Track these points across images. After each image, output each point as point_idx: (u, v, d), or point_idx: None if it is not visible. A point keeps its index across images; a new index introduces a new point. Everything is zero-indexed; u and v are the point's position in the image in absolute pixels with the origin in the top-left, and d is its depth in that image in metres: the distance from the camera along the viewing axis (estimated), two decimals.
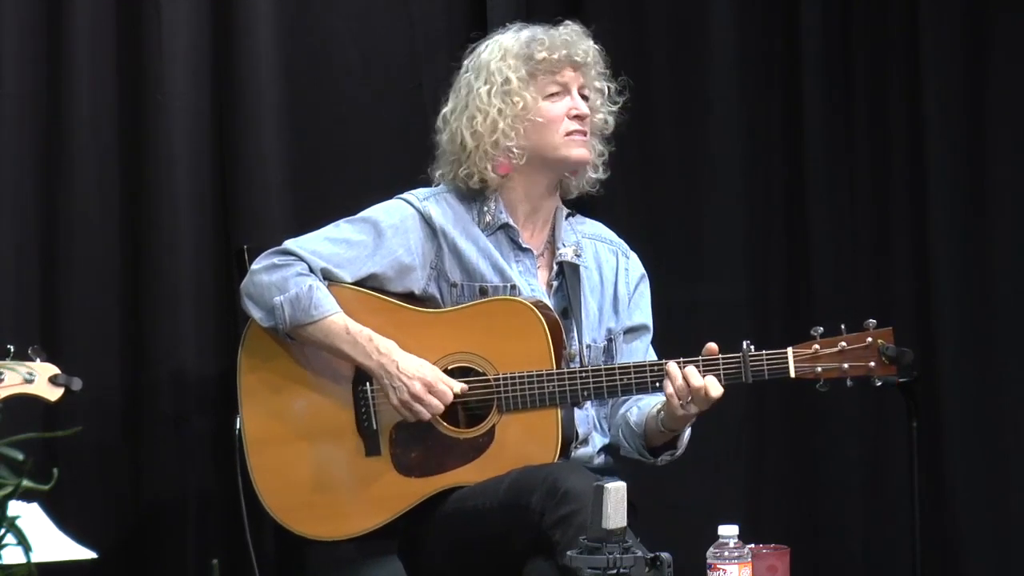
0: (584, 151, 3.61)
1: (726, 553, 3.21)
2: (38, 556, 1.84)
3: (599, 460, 3.62)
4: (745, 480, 4.57)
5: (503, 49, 3.61)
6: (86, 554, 2.77)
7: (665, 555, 2.82)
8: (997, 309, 4.57)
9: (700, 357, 3.46)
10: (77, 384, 3.30)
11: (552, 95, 3.60)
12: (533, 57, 3.59)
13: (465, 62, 3.66)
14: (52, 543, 2.75)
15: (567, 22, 3.66)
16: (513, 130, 3.57)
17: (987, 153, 4.59)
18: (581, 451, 3.57)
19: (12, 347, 3.23)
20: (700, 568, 3.23)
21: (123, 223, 3.95)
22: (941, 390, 4.54)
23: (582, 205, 3.86)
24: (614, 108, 3.68)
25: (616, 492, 2.80)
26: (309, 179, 4.17)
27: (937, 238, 4.58)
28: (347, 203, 3.70)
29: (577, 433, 3.54)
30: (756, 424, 4.57)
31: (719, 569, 3.20)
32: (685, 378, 3.41)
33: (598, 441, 3.62)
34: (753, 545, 3.29)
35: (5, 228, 3.82)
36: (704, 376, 3.42)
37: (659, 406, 3.53)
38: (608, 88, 3.67)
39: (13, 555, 1.86)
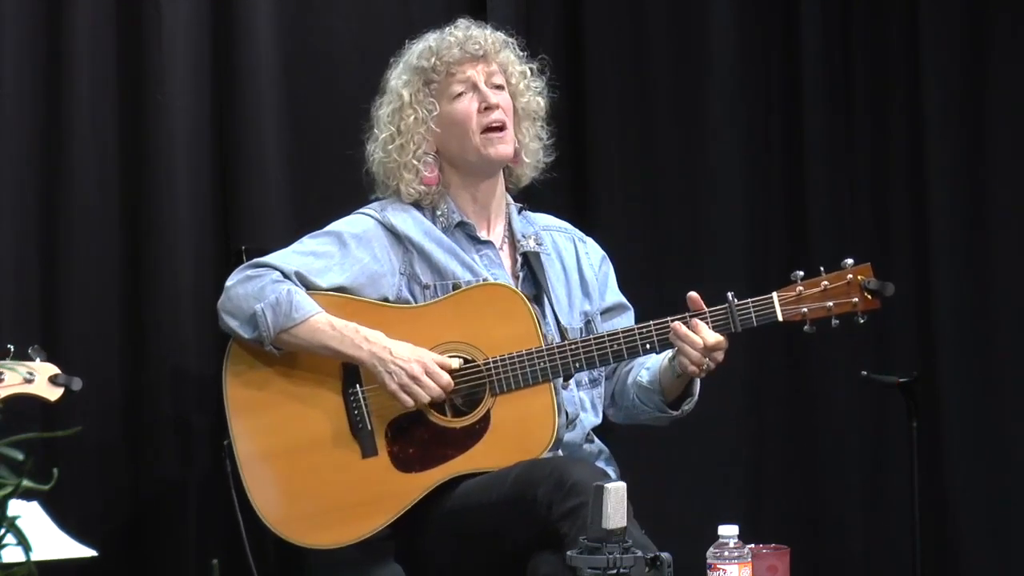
0: (505, 147, 3.61)
1: (726, 553, 3.21)
2: (38, 555, 1.84)
3: (588, 447, 3.61)
4: (745, 480, 4.57)
5: (404, 64, 3.64)
6: (86, 552, 2.77)
7: (665, 555, 2.83)
8: (997, 309, 4.58)
9: (688, 313, 3.48)
10: (77, 384, 3.30)
11: (458, 96, 3.60)
12: (423, 65, 3.60)
13: (381, 84, 3.69)
14: (52, 542, 2.75)
15: (459, 20, 3.66)
16: (425, 141, 3.58)
17: (987, 153, 4.59)
18: (569, 435, 3.56)
19: (12, 347, 3.22)
20: (700, 568, 3.23)
21: (123, 223, 3.95)
22: (941, 390, 4.54)
23: (580, 202, 3.86)
24: (539, 86, 3.67)
25: (616, 492, 2.80)
26: (309, 179, 4.17)
27: (937, 238, 4.58)
28: (347, 203, 3.70)
29: (567, 414, 3.54)
30: (756, 424, 4.57)
31: (719, 569, 3.20)
32: (695, 332, 3.44)
33: (587, 422, 3.62)
34: (753, 545, 3.29)
35: (5, 228, 3.82)
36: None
37: (668, 355, 3.54)
38: (529, 69, 3.66)
39: (13, 555, 1.86)
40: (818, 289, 3.50)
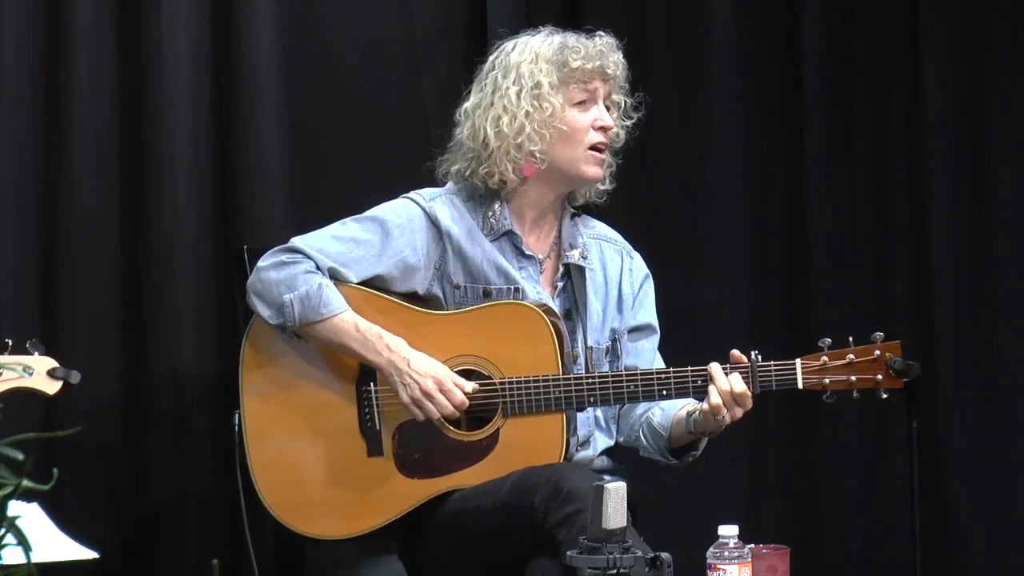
0: (599, 170, 3.60)
1: (726, 553, 3.21)
2: (38, 556, 1.84)
3: (599, 462, 3.61)
4: (745, 480, 4.57)
5: (535, 52, 3.59)
6: (87, 554, 2.77)
7: (665, 555, 2.83)
8: (997, 309, 4.58)
9: (705, 366, 3.46)
10: (76, 377, 3.28)
11: (579, 104, 3.59)
12: (567, 64, 3.57)
13: (491, 58, 3.64)
14: (53, 543, 2.75)
15: (600, 32, 3.64)
16: (538, 135, 3.55)
17: (987, 153, 4.59)
18: (581, 453, 3.57)
19: (10, 341, 3.21)
20: (700, 568, 3.23)
21: (123, 223, 3.95)
22: (941, 390, 4.54)
23: (583, 204, 3.85)
24: (627, 123, 3.67)
25: (616, 492, 2.80)
26: (309, 179, 4.17)
27: (937, 238, 4.58)
28: (347, 203, 3.70)
29: (577, 435, 3.55)
30: (756, 424, 4.56)
31: (719, 569, 3.21)
32: (730, 384, 3.42)
33: (600, 443, 3.62)
34: (753, 545, 3.29)
35: (5, 229, 3.82)
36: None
37: (688, 408, 3.53)
38: (624, 102, 3.66)
39: (13, 555, 1.86)
40: (843, 361, 3.47)
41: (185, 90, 3.99)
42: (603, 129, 3.59)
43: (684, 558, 3.04)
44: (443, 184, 3.65)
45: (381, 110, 4.27)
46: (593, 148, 3.59)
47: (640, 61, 4.53)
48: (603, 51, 3.60)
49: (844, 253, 4.62)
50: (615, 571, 2.75)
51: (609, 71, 3.60)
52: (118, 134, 3.95)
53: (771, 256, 4.63)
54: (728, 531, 3.22)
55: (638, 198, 4.56)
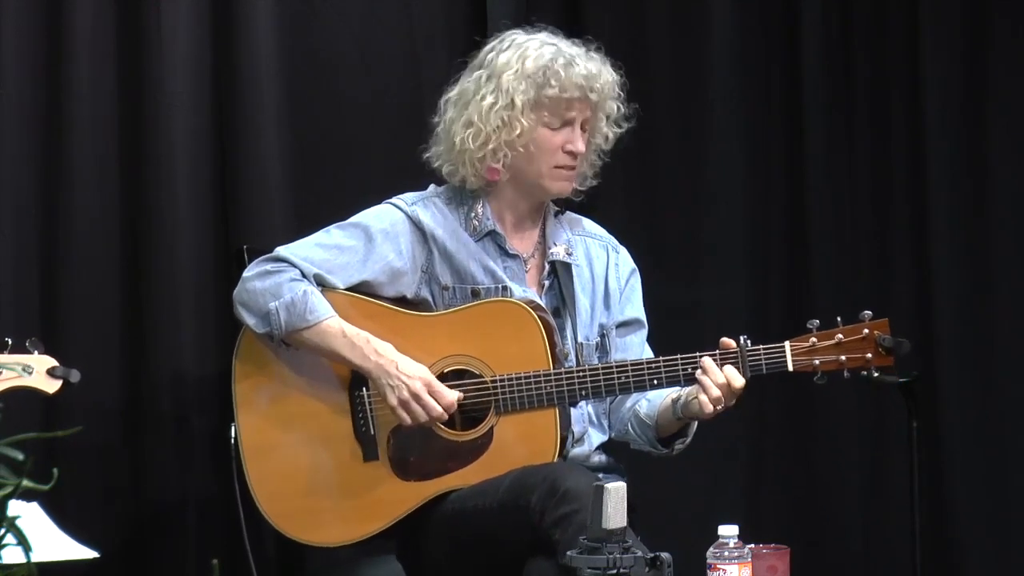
0: (566, 184, 3.60)
1: (726, 553, 3.21)
2: (39, 556, 1.84)
3: (596, 458, 3.62)
4: (745, 480, 4.57)
5: (521, 61, 3.56)
6: (87, 553, 2.77)
7: (665, 555, 2.83)
8: (997, 309, 4.58)
9: (698, 353, 3.46)
10: (75, 376, 3.28)
11: (552, 127, 3.57)
12: (543, 88, 3.55)
13: (485, 50, 3.63)
14: (53, 543, 2.75)
15: (592, 54, 3.61)
16: (502, 152, 3.56)
17: (987, 153, 4.59)
18: (577, 450, 3.57)
19: (10, 340, 3.21)
20: (700, 568, 3.23)
21: (123, 223, 3.95)
22: (941, 390, 4.54)
23: (581, 204, 3.86)
24: (619, 130, 3.66)
25: (616, 492, 2.80)
26: (309, 179, 4.17)
27: (937, 237, 4.58)
28: (347, 203, 3.70)
29: (573, 431, 3.55)
30: (756, 424, 4.56)
31: (719, 569, 3.21)
32: (727, 376, 3.43)
33: (595, 439, 3.62)
34: (753, 545, 3.29)
35: (5, 229, 3.82)
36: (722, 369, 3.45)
37: (673, 396, 3.53)
38: (617, 107, 3.65)
39: (13, 555, 1.86)
40: (832, 342, 3.48)
41: (185, 90, 3.99)
42: (571, 154, 3.58)
43: (684, 558, 3.04)
44: (440, 177, 3.65)
45: (381, 110, 4.27)
46: (559, 167, 3.58)
47: (640, 61, 4.55)
48: (587, 76, 3.55)
49: (844, 253, 4.62)
50: (615, 571, 2.75)
51: (592, 97, 3.57)
52: (118, 134, 3.95)
53: (771, 256, 4.63)
54: (728, 531, 3.22)
55: (638, 198, 4.57)
